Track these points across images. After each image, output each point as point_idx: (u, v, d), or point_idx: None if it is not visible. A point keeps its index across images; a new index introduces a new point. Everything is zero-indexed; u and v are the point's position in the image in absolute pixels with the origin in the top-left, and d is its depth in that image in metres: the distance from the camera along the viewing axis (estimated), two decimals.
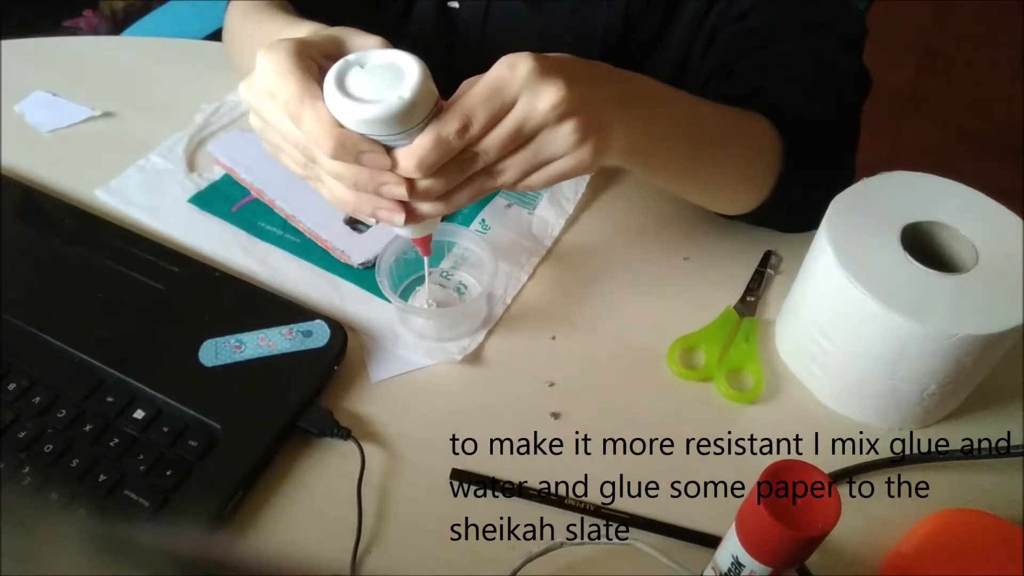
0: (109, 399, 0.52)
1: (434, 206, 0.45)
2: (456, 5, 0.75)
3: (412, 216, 0.45)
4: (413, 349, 0.58)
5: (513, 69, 0.42)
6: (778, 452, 0.53)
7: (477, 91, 0.42)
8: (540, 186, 0.46)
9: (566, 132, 0.43)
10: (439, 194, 0.44)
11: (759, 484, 0.37)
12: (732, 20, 0.67)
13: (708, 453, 0.54)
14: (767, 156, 0.58)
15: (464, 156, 0.43)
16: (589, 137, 0.44)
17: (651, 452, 0.54)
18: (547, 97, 0.42)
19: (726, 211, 0.63)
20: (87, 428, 0.51)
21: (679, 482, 0.52)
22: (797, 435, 0.55)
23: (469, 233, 0.61)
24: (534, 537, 0.46)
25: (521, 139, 0.43)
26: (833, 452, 0.53)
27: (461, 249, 0.63)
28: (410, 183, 0.43)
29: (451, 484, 0.51)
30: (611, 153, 0.46)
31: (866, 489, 0.52)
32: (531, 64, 0.42)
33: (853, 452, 0.53)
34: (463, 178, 0.44)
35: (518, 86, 0.42)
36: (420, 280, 0.62)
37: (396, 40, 0.83)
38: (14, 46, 0.81)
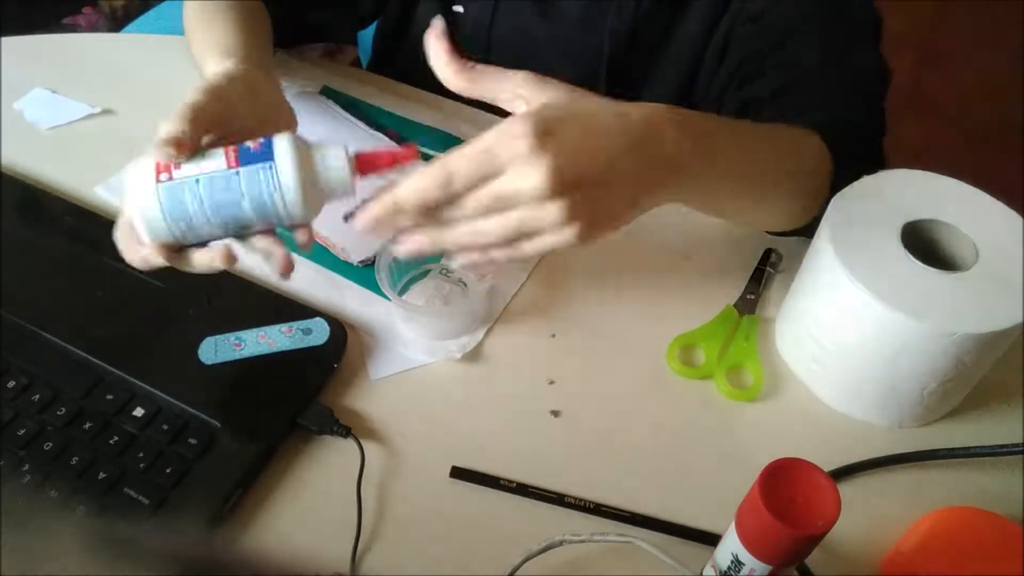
0: (108, 397, 0.52)
1: (413, 244, 0.45)
2: (460, 9, 0.75)
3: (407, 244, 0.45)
4: (413, 347, 0.58)
5: (509, 141, 0.42)
6: (778, 450, 0.53)
7: (466, 151, 0.42)
8: (529, 255, 0.45)
9: (550, 212, 0.42)
10: (424, 241, 0.45)
11: (759, 482, 0.37)
12: (745, 22, 0.67)
13: (708, 451, 0.54)
14: (822, 175, 0.58)
15: (450, 206, 0.43)
16: (573, 221, 0.43)
17: (651, 450, 0.54)
18: (531, 179, 0.41)
19: (783, 226, 0.61)
20: (86, 426, 0.51)
21: (679, 480, 0.52)
22: (797, 433, 0.55)
23: None
24: (533, 535, 0.46)
25: (501, 207, 0.43)
26: (833, 450, 0.53)
27: None
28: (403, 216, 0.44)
29: (451, 482, 0.51)
30: (599, 235, 0.45)
31: (866, 487, 0.52)
32: (529, 140, 0.41)
33: (853, 450, 0.53)
34: (446, 228, 0.44)
35: (506, 159, 0.42)
36: (420, 277, 0.62)
37: (398, 45, 0.84)
38: (13, 43, 0.81)
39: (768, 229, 0.63)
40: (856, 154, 0.60)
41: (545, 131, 0.42)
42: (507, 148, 0.42)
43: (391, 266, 0.58)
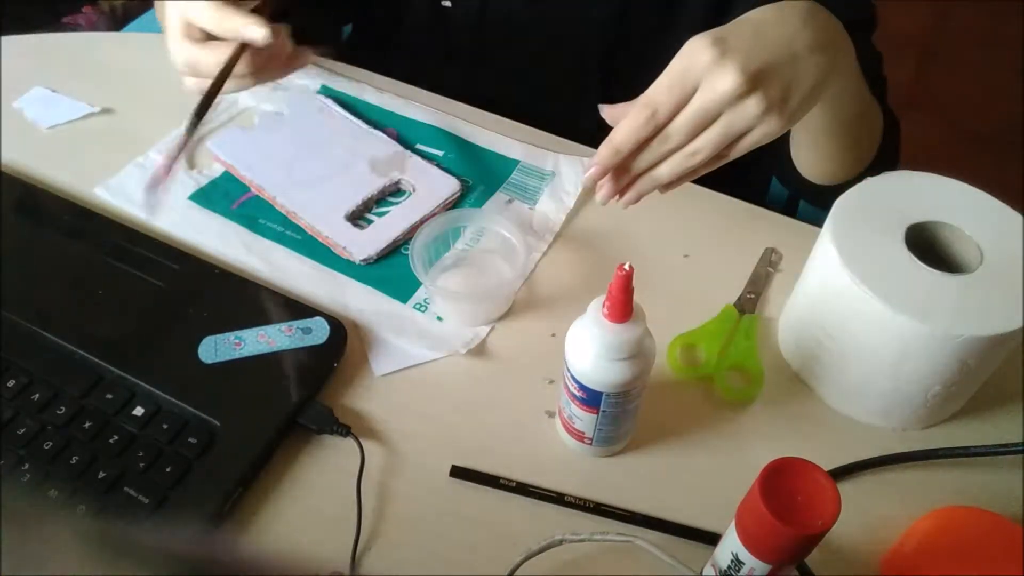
0: (108, 396, 0.52)
1: (640, 183, 0.51)
2: (448, 4, 0.75)
3: (624, 189, 0.51)
4: (416, 343, 0.58)
5: (692, 57, 0.46)
6: (778, 450, 0.53)
7: (661, 81, 0.47)
8: (736, 155, 0.50)
9: (750, 106, 0.47)
10: (641, 171, 0.50)
11: (759, 481, 0.37)
12: None
13: (708, 451, 0.54)
14: (877, 134, 0.64)
15: (660, 138, 0.48)
16: (772, 107, 0.47)
17: (651, 449, 0.54)
18: (725, 81, 0.46)
19: (832, 176, 0.66)
20: (86, 425, 0.51)
21: (679, 479, 0.52)
22: (797, 433, 0.55)
23: (500, 218, 0.61)
24: (533, 534, 0.46)
25: (707, 120, 0.47)
26: (833, 450, 0.53)
27: (492, 233, 0.63)
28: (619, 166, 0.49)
29: (451, 481, 0.51)
30: (797, 115, 0.50)
31: (866, 486, 0.52)
32: (710, 52, 0.46)
33: (853, 450, 0.53)
34: (660, 158, 0.49)
35: (698, 72, 0.46)
36: (451, 263, 0.63)
37: (390, 40, 0.84)
38: (13, 42, 0.81)
39: (833, 167, 0.66)
40: (885, 141, 0.64)
41: (719, 38, 0.47)
42: (693, 64, 0.46)
43: (423, 253, 0.59)
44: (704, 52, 0.46)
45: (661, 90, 0.47)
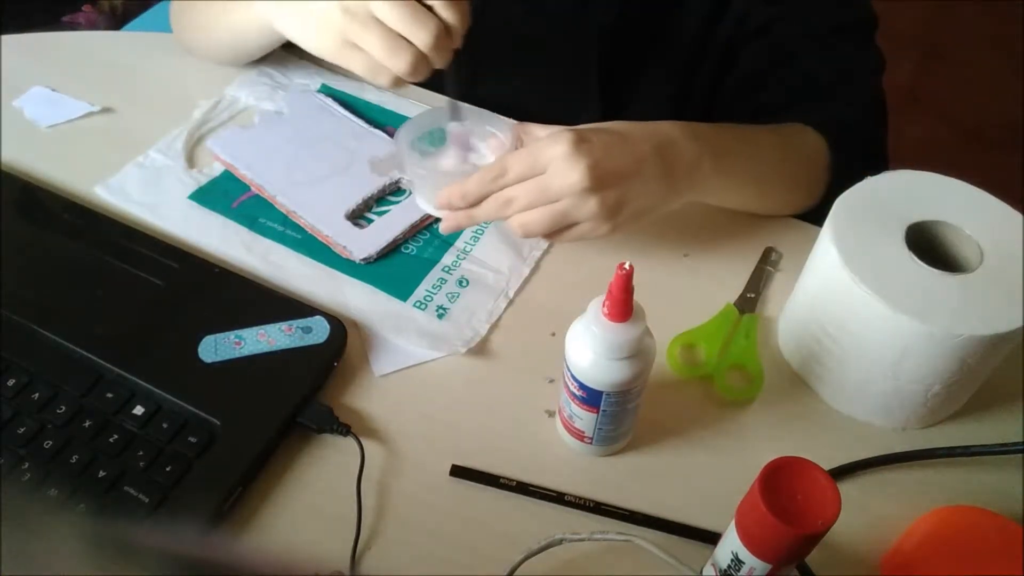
0: (108, 395, 0.52)
1: (467, 220, 0.57)
2: None
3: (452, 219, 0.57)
4: (417, 342, 0.58)
5: (553, 141, 0.52)
6: (778, 450, 0.53)
7: (520, 152, 0.53)
8: (563, 241, 0.57)
9: (588, 204, 0.52)
10: (479, 220, 0.56)
11: (759, 481, 0.37)
12: (753, 35, 0.69)
13: (708, 450, 0.54)
14: (819, 164, 0.66)
15: (504, 201, 0.54)
16: (604, 213, 0.53)
17: (651, 449, 0.54)
18: (572, 176, 0.51)
19: (785, 213, 0.68)
20: (86, 424, 0.51)
21: (679, 479, 0.52)
22: (797, 432, 0.55)
23: (497, 120, 0.62)
24: (533, 534, 0.46)
25: (546, 197, 0.52)
26: (833, 449, 0.53)
27: (488, 136, 0.62)
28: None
29: (451, 480, 0.51)
30: (623, 228, 0.55)
31: (866, 486, 0.52)
32: (568, 145, 0.51)
33: (853, 449, 0.53)
34: (499, 214, 0.55)
35: (552, 156, 0.51)
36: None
37: None
38: (13, 41, 0.81)
39: (771, 214, 0.67)
40: (855, 146, 0.65)
41: (581, 138, 0.52)
42: (552, 149, 0.51)
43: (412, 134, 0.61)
44: (564, 142, 0.51)
45: (516, 157, 0.53)
